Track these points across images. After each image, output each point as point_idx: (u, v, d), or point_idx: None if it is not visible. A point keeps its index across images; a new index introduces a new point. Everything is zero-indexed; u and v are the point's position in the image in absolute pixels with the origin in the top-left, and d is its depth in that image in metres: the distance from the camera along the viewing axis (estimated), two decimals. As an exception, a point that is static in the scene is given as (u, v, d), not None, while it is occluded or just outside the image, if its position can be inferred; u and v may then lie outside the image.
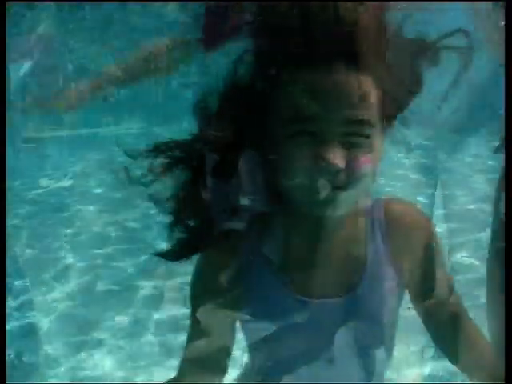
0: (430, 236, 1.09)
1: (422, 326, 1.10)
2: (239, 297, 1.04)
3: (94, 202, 4.75)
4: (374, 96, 0.91)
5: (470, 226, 3.84)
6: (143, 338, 3.12)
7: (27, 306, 3.30)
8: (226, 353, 1.06)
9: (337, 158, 0.89)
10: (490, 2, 1.28)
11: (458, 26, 0.98)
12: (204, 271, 1.04)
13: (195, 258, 1.04)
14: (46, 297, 3.51)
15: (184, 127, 1.01)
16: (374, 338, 1.06)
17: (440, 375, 2.54)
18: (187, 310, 1.03)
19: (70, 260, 3.91)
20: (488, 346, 1.10)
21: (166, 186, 0.99)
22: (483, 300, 1.46)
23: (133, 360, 2.96)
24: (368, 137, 0.91)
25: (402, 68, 0.97)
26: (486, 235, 1.54)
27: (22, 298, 3.33)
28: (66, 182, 5.15)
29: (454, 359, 1.10)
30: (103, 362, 2.95)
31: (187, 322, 1.05)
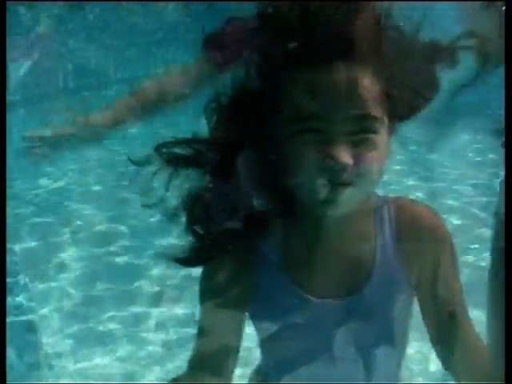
0: (444, 240, 1.06)
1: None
2: (245, 296, 1.03)
3: (94, 200, 4.75)
4: (378, 94, 0.91)
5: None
6: (144, 335, 3.13)
7: (26, 302, 3.30)
8: (232, 351, 1.05)
9: (343, 155, 0.89)
10: (478, 3, 1.27)
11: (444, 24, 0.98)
12: (210, 271, 1.04)
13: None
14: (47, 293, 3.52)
15: (186, 129, 1.01)
16: (380, 340, 1.05)
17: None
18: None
19: (70, 259, 3.91)
20: (484, 355, 1.08)
21: (173, 194, 0.98)
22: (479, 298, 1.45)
23: (134, 358, 2.96)
24: (375, 132, 0.91)
25: (415, 72, 0.96)
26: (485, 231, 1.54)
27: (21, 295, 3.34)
28: (66, 182, 5.15)
29: (447, 362, 1.08)
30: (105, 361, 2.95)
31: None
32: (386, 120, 0.93)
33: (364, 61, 0.90)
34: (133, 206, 4.45)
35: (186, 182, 0.99)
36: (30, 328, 3.06)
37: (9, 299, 3.05)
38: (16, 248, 3.89)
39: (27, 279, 3.62)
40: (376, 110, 0.91)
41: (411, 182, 4.58)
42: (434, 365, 2.47)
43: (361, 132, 0.90)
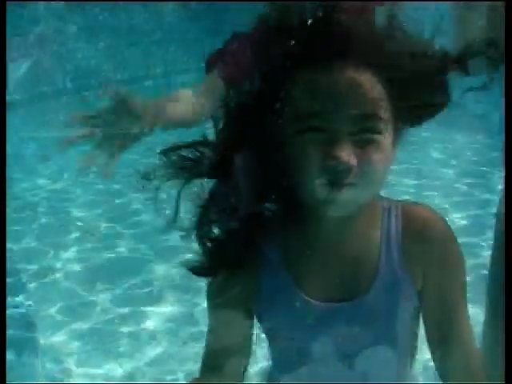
0: (451, 247, 1.04)
1: None
2: (250, 296, 1.03)
3: (93, 200, 4.75)
4: (381, 95, 0.90)
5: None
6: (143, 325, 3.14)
7: (26, 301, 3.31)
8: (243, 351, 1.05)
9: (346, 155, 0.88)
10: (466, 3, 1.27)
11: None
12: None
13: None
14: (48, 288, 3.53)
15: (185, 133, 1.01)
16: (383, 343, 1.03)
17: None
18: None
19: (70, 258, 3.92)
20: (479, 363, 1.05)
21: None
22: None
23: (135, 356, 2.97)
24: (379, 132, 0.90)
25: (425, 81, 0.95)
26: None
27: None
28: (66, 182, 5.15)
29: (440, 366, 1.07)
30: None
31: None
32: (391, 121, 0.93)
33: (366, 61, 0.90)
34: (133, 205, 4.46)
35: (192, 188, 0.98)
36: (30, 327, 3.07)
37: (9, 299, 3.05)
38: (15, 248, 3.90)
39: (27, 279, 3.62)
40: (379, 111, 0.90)
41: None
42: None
43: (364, 132, 0.90)
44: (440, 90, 0.96)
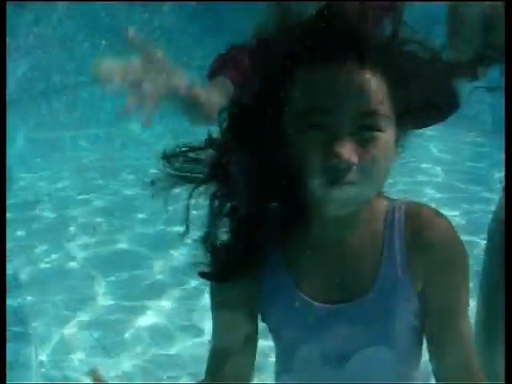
0: (456, 250, 1.02)
1: None
2: (253, 296, 1.02)
3: (93, 198, 4.76)
4: (384, 93, 0.90)
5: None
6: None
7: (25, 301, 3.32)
8: (249, 352, 1.04)
9: (348, 152, 0.87)
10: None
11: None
12: None
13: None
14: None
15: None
16: (382, 345, 1.02)
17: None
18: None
19: (70, 257, 3.92)
20: (477, 371, 1.03)
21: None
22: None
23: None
24: (380, 130, 0.90)
25: (435, 90, 0.94)
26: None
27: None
28: (66, 182, 5.15)
29: (437, 368, 1.06)
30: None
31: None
32: (393, 119, 0.92)
33: (368, 59, 0.89)
34: (133, 206, 4.47)
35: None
36: (29, 323, 3.07)
37: (9, 299, 3.06)
38: (14, 246, 3.91)
39: (27, 278, 3.63)
40: (380, 108, 0.90)
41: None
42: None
43: (364, 129, 0.89)
44: (449, 95, 0.96)
